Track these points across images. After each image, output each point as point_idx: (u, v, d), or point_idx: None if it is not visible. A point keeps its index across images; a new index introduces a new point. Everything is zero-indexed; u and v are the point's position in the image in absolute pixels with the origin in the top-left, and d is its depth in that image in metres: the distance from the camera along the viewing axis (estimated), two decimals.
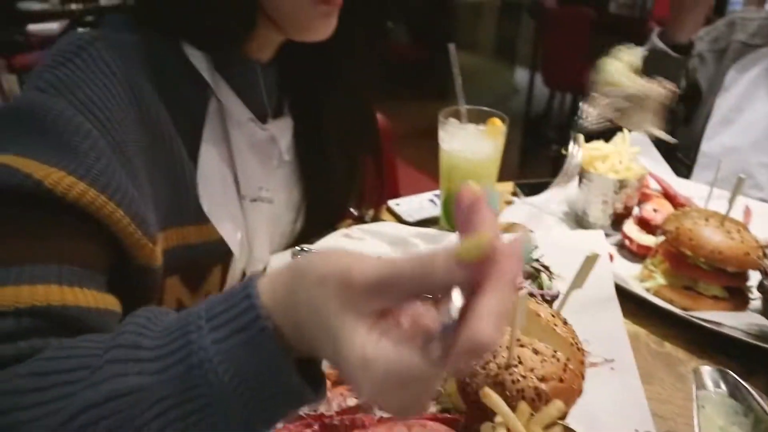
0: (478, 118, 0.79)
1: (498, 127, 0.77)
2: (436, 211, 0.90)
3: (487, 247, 0.27)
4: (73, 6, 5.20)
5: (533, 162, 3.73)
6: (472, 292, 0.28)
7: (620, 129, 0.91)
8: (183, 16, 0.53)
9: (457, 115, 0.78)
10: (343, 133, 0.69)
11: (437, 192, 0.95)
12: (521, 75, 5.35)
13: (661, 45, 1.06)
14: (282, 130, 0.65)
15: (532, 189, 1.00)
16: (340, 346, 0.30)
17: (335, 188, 0.72)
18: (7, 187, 0.37)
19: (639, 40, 1.05)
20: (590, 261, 0.50)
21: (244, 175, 0.60)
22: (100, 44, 0.48)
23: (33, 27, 4.74)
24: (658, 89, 0.44)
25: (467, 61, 5.05)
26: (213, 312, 0.33)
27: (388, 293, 0.30)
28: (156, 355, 0.32)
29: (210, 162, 0.56)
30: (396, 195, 1.88)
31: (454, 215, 0.32)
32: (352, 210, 0.88)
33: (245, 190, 0.60)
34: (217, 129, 0.57)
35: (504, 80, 5.29)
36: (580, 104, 0.93)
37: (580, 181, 0.89)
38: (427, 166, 2.69)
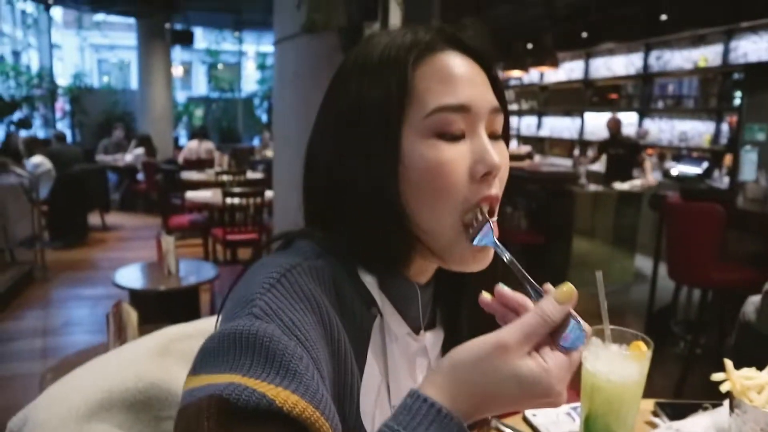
0: (622, 339, 0.80)
1: (643, 352, 0.77)
2: (573, 426, 0.87)
3: (573, 290, 0.51)
4: (224, 177, 6.00)
5: (658, 358, 3.47)
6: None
7: None
8: (355, 247, 0.61)
9: (600, 335, 0.79)
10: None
11: (573, 405, 0.93)
12: (641, 264, 5.21)
13: None
14: (433, 341, 0.69)
15: (674, 410, 0.95)
16: (524, 379, 0.47)
17: None
18: (246, 404, 0.44)
19: None
20: None
21: (396, 385, 0.63)
22: (296, 270, 0.56)
23: (190, 194, 5.49)
24: None
25: (584, 248, 5.04)
26: (403, 422, 0.46)
27: (530, 340, 0.48)
28: None
29: (371, 375, 0.61)
30: None
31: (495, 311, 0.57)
32: (488, 417, 0.89)
33: (395, 400, 0.63)
34: (378, 343, 0.62)
35: (624, 269, 5.17)
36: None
37: (732, 409, 0.84)
38: None
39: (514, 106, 10.45)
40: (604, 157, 6.08)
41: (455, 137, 0.57)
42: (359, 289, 0.61)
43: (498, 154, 0.59)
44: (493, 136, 0.60)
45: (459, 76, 0.58)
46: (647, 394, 0.96)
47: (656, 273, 3.84)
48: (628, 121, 7.71)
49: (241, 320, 0.50)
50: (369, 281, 0.61)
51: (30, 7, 13.39)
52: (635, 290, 4.92)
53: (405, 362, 0.65)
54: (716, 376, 0.84)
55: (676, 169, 6.44)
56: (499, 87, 0.62)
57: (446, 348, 0.71)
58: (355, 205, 0.61)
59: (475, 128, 0.58)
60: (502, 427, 0.89)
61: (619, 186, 5.35)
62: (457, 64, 0.59)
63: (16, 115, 10.40)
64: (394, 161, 0.57)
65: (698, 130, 6.84)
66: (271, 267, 0.57)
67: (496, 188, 0.59)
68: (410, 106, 0.57)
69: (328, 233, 0.63)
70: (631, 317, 4.22)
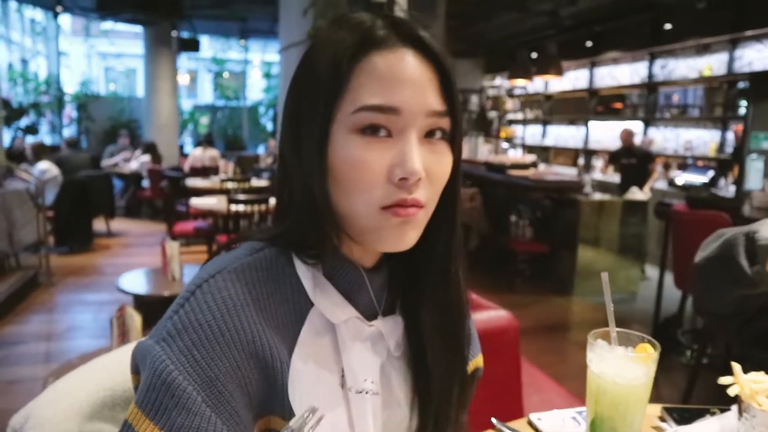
0: (628, 342, 0.79)
1: (649, 354, 0.76)
2: (578, 430, 0.87)
3: None
4: (230, 184, 6.01)
5: (665, 368, 3.45)
6: None
7: None
8: (291, 235, 0.62)
9: (606, 337, 0.79)
10: (440, 334, 0.70)
11: (579, 409, 0.93)
12: (647, 274, 5.19)
13: None
14: (390, 327, 0.68)
15: (681, 415, 0.94)
16: None
17: (443, 389, 0.71)
18: None
19: None
20: None
21: (350, 368, 0.63)
22: (213, 280, 0.57)
23: (195, 200, 5.50)
24: None
25: (589, 257, 5.02)
26: None
27: None
28: None
29: (303, 359, 0.60)
30: (518, 395, 1.82)
31: None
32: (492, 420, 0.88)
33: (351, 383, 0.63)
34: (319, 327, 0.62)
35: (629, 278, 5.14)
36: None
37: (740, 413, 0.83)
38: (550, 367, 2.58)
39: (519, 115, 10.46)
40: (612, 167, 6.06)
41: (379, 137, 0.57)
42: (295, 278, 0.62)
43: (429, 160, 0.58)
44: (431, 136, 0.60)
45: (396, 76, 0.57)
46: (653, 402, 0.95)
47: (662, 282, 3.82)
48: (634, 130, 7.72)
49: (152, 339, 0.55)
50: (304, 269, 0.62)
51: (39, 15, 13.53)
52: (641, 299, 4.89)
53: (360, 346, 0.65)
54: (724, 380, 0.83)
55: (682, 177, 6.42)
56: (450, 90, 0.60)
57: (409, 334, 0.70)
58: (292, 193, 0.63)
59: (404, 131, 0.58)
60: (506, 431, 0.88)
61: (627, 196, 5.36)
62: (399, 63, 0.58)
63: (23, 121, 10.47)
64: (322, 152, 0.58)
65: (703, 139, 6.83)
66: (194, 279, 0.59)
67: (419, 194, 0.58)
68: (343, 101, 0.57)
69: (273, 225, 0.65)
70: (637, 326, 4.19)
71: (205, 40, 13.47)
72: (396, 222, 0.58)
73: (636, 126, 7.69)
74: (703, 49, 6.76)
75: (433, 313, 0.69)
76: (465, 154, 8.86)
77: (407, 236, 0.59)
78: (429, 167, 0.58)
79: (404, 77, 0.57)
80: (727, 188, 5.95)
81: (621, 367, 0.77)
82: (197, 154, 8.17)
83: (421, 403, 0.70)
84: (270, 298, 0.59)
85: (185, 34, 10.60)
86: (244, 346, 0.56)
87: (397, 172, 0.57)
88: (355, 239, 0.62)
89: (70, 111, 11.92)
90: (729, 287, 1.03)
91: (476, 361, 0.79)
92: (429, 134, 0.59)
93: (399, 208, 0.57)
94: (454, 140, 0.62)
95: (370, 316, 0.66)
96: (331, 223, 0.60)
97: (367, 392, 0.64)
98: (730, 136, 6.46)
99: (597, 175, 7.80)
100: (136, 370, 0.57)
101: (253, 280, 0.59)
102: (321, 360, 0.62)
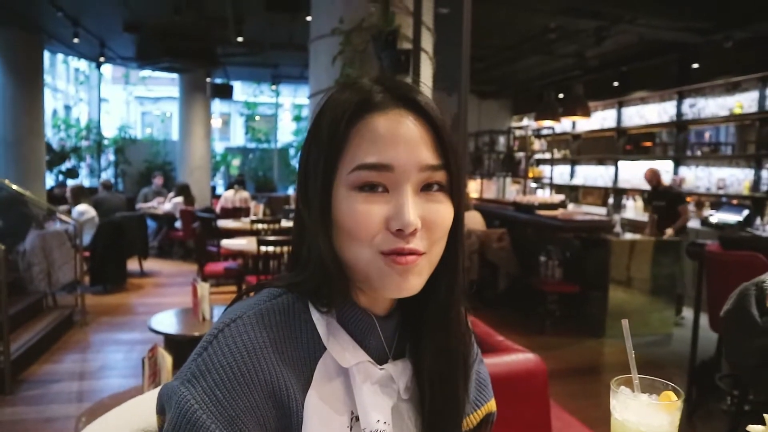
0: (652, 389, 0.79)
1: (673, 403, 0.75)
2: None
3: None
4: (260, 226, 6.10)
5: (704, 414, 3.33)
6: None
7: None
8: (302, 284, 0.65)
9: (629, 384, 0.78)
10: (438, 378, 0.72)
11: None
12: (683, 314, 5.05)
13: None
14: (400, 370, 0.70)
15: None
16: None
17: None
18: None
19: None
20: None
21: (363, 410, 0.65)
22: (234, 324, 0.61)
23: (225, 241, 5.59)
24: None
25: (621, 297, 4.92)
26: None
27: None
28: None
29: (317, 400, 0.63)
30: None
31: None
32: None
33: (364, 424, 0.65)
34: (332, 370, 0.65)
35: (663, 319, 5.01)
36: None
37: None
38: (581, 411, 2.52)
39: (546, 155, 10.45)
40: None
41: (377, 192, 0.62)
42: (311, 323, 0.65)
43: (426, 210, 0.62)
44: (429, 189, 0.64)
45: (389, 136, 0.62)
46: None
47: (697, 324, 3.71)
48: (664, 169, 7.63)
49: (177, 380, 0.58)
50: (318, 315, 0.65)
51: (83, 65, 14.22)
52: (677, 341, 4.75)
53: (372, 387, 0.67)
54: (754, 429, 0.81)
55: (715, 216, 6.29)
56: (445, 146, 0.65)
57: (418, 377, 0.72)
58: (306, 243, 0.66)
59: (399, 186, 0.62)
60: None
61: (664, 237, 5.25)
62: (393, 124, 0.62)
63: (65, 165, 10.89)
64: (325, 206, 0.63)
65: (737, 177, 6.71)
66: (217, 323, 0.63)
67: (416, 243, 0.62)
68: (342, 160, 0.63)
69: (290, 274, 0.68)
70: (672, 370, 4.07)
71: (237, 85, 13.93)
72: (398, 269, 0.61)
73: (666, 165, 7.61)
74: (733, 88, 6.72)
75: (433, 357, 0.71)
76: (492, 194, 8.86)
77: (410, 283, 0.63)
78: (427, 217, 0.62)
79: (397, 136, 0.62)
80: (763, 227, 5.81)
81: (645, 414, 0.76)
82: (229, 196, 8.35)
83: None
84: (287, 341, 0.63)
85: (219, 80, 10.99)
86: (263, 387, 0.59)
87: (393, 224, 0.61)
88: (363, 287, 0.66)
89: (108, 154, 12.36)
90: (747, 338, 1.02)
91: (488, 406, 0.80)
92: (427, 187, 0.63)
93: (398, 256, 0.61)
94: (452, 191, 0.66)
95: (380, 359, 0.68)
96: (338, 272, 0.64)
97: None
98: (765, 174, 6.34)
99: (629, 214, 7.70)
100: (161, 411, 0.60)
101: (271, 324, 0.62)
102: (332, 401, 0.64)
